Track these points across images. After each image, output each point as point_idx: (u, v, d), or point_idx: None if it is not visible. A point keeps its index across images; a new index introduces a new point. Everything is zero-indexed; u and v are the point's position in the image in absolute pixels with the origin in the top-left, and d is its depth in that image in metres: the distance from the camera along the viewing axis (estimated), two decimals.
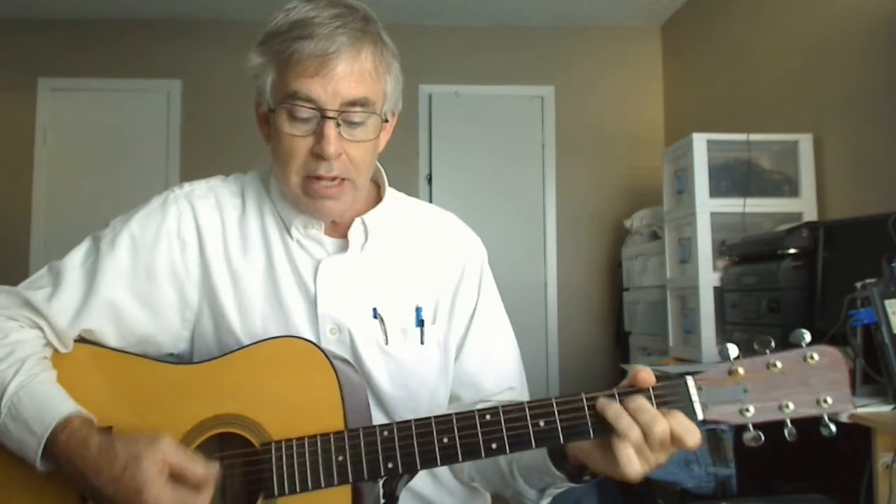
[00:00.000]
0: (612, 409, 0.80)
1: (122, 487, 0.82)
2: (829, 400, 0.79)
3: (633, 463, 0.79)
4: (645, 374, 0.82)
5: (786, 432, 0.80)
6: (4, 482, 0.92)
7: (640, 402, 0.80)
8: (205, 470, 0.84)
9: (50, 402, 0.90)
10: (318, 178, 0.97)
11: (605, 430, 0.82)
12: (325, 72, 0.93)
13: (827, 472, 2.00)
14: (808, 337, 0.80)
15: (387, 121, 1.02)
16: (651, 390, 0.82)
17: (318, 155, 0.96)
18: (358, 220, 1.06)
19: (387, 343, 1.04)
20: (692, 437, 0.79)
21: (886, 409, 1.73)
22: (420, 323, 1.07)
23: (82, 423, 0.88)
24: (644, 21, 4.67)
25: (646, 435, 0.79)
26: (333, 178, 0.98)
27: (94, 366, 0.97)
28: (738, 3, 3.73)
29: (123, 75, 4.55)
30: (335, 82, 0.94)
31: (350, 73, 0.94)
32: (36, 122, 4.51)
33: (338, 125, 0.95)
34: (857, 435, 1.70)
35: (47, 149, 4.51)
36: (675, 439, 0.79)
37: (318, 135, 0.95)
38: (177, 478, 0.83)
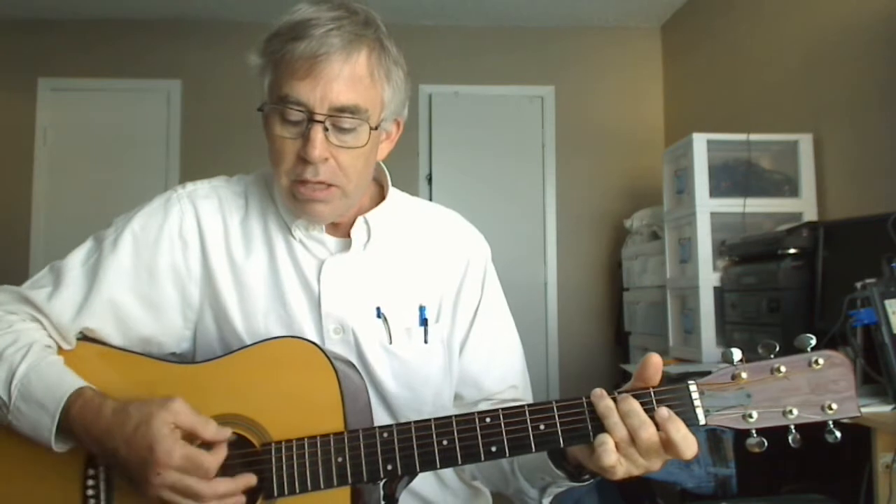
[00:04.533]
0: (603, 404, 0.81)
1: (134, 446, 0.83)
2: (834, 406, 0.78)
3: (609, 454, 0.79)
4: (656, 361, 0.82)
5: (790, 438, 0.79)
6: (6, 466, 0.93)
7: (632, 405, 0.80)
8: (216, 431, 0.86)
9: (60, 378, 0.91)
10: (305, 181, 0.96)
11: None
12: (315, 74, 0.92)
13: (827, 472, 2.00)
14: (812, 342, 0.79)
15: (376, 128, 0.98)
16: (653, 394, 0.81)
17: (303, 158, 0.94)
18: (360, 219, 1.05)
19: (390, 342, 1.04)
20: (689, 448, 0.79)
21: (886, 409, 1.72)
22: (424, 322, 1.06)
23: (94, 394, 0.90)
24: (644, 21, 4.67)
25: (633, 438, 0.79)
26: (320, 183, 0.96)
27: (96, 364, 0.97)
28: (738, 3, 3.73)
29: (123, 75, 4.55)
30: (323, 85, 0.92)
31: (339, 77, 0.93)
32: (36, 122, 4.50)
33: (326, 129, 0.94)
34: (857, 435, 1.70)
35: (47, 149, 4.51)
36: (670, 446, 0.79)
37: (305, 138, 0.94)
38: (189, 439, 0.85)
